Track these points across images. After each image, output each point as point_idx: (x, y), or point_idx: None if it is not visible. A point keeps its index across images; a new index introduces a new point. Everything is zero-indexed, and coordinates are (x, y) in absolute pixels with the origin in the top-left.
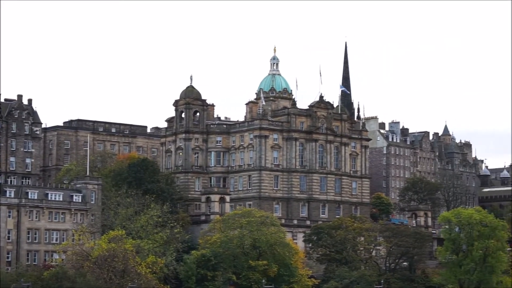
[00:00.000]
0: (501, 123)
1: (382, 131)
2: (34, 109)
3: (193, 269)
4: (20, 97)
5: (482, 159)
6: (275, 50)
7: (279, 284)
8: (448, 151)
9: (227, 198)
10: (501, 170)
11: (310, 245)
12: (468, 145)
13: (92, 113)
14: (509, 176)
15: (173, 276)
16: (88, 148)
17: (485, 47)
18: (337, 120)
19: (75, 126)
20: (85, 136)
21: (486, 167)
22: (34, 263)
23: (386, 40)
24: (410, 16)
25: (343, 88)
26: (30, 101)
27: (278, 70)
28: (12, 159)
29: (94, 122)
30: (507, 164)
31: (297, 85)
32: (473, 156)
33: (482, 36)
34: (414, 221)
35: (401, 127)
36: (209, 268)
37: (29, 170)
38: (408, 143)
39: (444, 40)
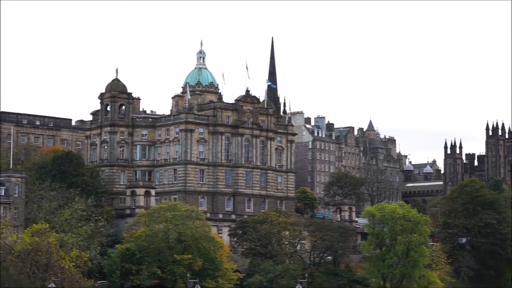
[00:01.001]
0: (424, 119)
1: (307, 126)
2: None
3: (117, 263)
4: None
5: (405, 154)
6: (201, 44)
7: (204, 278)
8: (373, 146)
9: (153, 191)
10: (424, 165)
11: (235, 239)
12: (392, 141)
13: (16, 105)
14: (432, 172)
15: (97, 270)
16: (11, 141)
17: (409, 45)
18: (263, 114)
19: None
20: (8, 129)
21: (410, 162)
22: None
23: (312, 35)
24: (334, 12)
25: (269, 83)
26: None
27: (204, 64)
28: None
29: (17, 114)
30: (430, 160)
31: (223, 79)
32: (397, 151)
33: (405, 31)
34: (338, 215)
35: (326, 122)
36: (133, 262)
37: None
38: (333, 138)
39: (368, 36)
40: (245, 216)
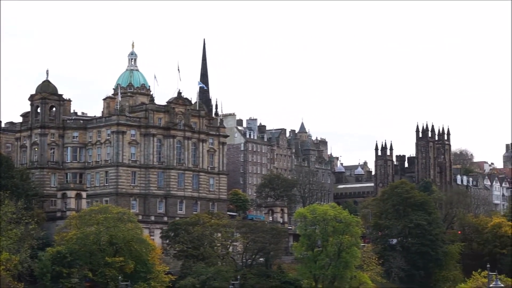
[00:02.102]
0: (356, 121)
1: (239, 128)
2: None
3: (48, 266)
4: None
5: (337, 156)
6: (133, 46)
7: (136, 281)
8: (304, 148)
9: (84, 194)
10: (355, 167)
11: (167, 241)
12: (323, 143)
13: None
14: (363, 173)
15: (27, 274)
16: None
17: (339, 47)
18: (195, 116)
19: None
20: None
21: (341, 164)
22: None
23: (244, 37)
24: (265, 14)
25: (201, 85)
26: None
27: (136, 66)
28: None
29: None
30: (361, 162)
31: (155, 81)
32: (329, 153)
33: (333, 32)
34: (270, 217)
35: (258, 124)
36: (64, 265)
37: None
38: (265, 140)
39: (299, 38)
40: (177, 218)
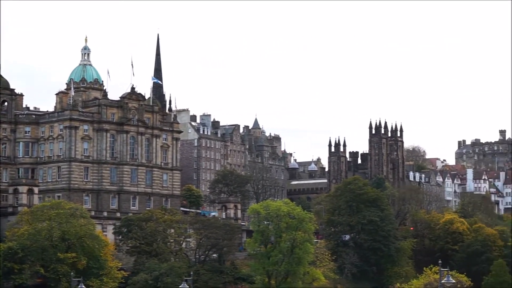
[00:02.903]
0: (309, 117)
1: (193, 123)
2: None
3: None
4: None
5: (291, 152)
6: (86, 40)
7: (88, 277)
8: (258, 144)
9: (36, 189)
10: (309, 163)
11: (120, 237)
12: (277, 139)
13: None
14: (316, 169)
15: None
16: None
17: (292, 42)
18: (149, 112)
19: None
20: None
21: (295, 160)
22: None
23: (198, 33)
24: (218, 9)
25: (155, 80)
26: None
27: (89, 61)
28: None
29: None
30: (315, 158)
31: (109, 76)
32: (282, 149)
33: (285, 28)
34: (224, 213)
35: (212, 120)
36: (16, 261)
37: None
38: (219, 136)
39: (252, 34)
40: (130, 214)
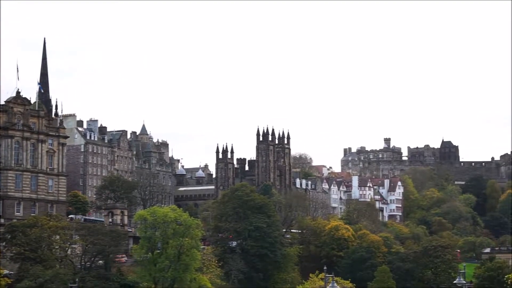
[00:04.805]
0: (197, 123)
1: (80, 129)
2: None
3: None
4: None
5: (178, 158)
6: None
7: None
8: (146, 150)
9: None
10: (196, 169)
11: (4, 243)
12: (165, 145)
13: None
14: (204, 176)
15: None
16: None
17: (186, 50)
18: (34, 116)
19: None
20: None
21: (182, 166)
22: None
23: (84, 38)
24: (106, 13)
25: (39, 85)
26: None
27: None
28: None
29: None
30: (202, 164)
31: None
32: (170, 155)
33: (176, 34)
34: (110, 219)
35: (99, 125)
36: None
37: None
38: (106, 141)
39: (141, 40)
40: (15, 220)
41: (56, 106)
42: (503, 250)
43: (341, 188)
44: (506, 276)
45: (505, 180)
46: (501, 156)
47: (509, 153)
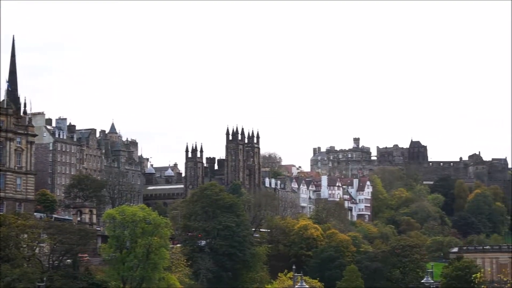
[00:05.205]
0: (166, 122)
1: (48, 127)
2: None
3: None
4: None
5: (147, 157)
6: None
7: None
8: (115, 149)
9: None
10: (165, 168)
11: None
12: (134, 144)
13: None
14: (173, 175)
15: None
16: None
17: (152, 51)
18: (3, 115)
19: None
20: None
21: (151, 165)
22: None
23: (53, 35)
24: (71, 11)
25: (8, 83)
26: None
27: None
28: None
29: None
30: (172, 163)
31: None
32: (139, 154)
33: (136, 27)
34: (79, 218)
35: (68, 123)
36: None
37: None
38: (75, 140)
39: (107, 38)
40: None
41: (25, 104)
42: (471, 250)
43: (310, 188)
44: (473, 276)
45: (473, 180)
46: (469, 156)
47: (477, 153)
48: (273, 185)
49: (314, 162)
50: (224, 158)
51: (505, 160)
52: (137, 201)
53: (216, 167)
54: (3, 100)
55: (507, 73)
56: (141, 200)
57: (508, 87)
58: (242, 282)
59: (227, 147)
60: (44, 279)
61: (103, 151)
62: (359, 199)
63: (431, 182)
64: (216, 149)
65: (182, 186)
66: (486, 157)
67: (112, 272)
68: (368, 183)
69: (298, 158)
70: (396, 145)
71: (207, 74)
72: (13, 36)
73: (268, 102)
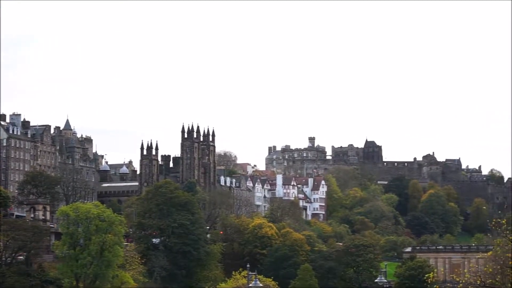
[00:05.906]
0: (121, 119)
1: (2, 123)
2: None
3: None
4: None
5: (102, 154)
6: None
7: None
8: (69, 145)
9: None
10: (120, 165)
11: None
12: (89, 140)
13: None
14: (128, 172)
15: None
16: None
17: (110, 45)
18: None
19: None
20: None
21: (106, 162)
22: None
23: (9, 33)
24: (41, 8)
25: None
26: None
27: None
28: None
29: None
30: (127, 160)
31: None
32: (94, 151)
33: (103, 27)
34: (32, 215)
35: (22, 119)
36: None
37: None
38: (29, 136)
39: (64, 34)
40: None
41: None
42: (424, 250)
43: (265, 186)
44: (426, 275)
45: (426, 180)
46: (424, 157)
47: (431, 154)
48: (228, 184)
49: (269, 161)
50: (179, 156)
51: (458, 160)
52: (91, 198)
53: (171, 164)
54: None
55: (462, 74)
56: (96, 197)
57: (462, 88)
58: (196, 281)
59: (183, 145)
60: None
61: (58, 147)
62: (314, 198)
63: (386, 182)
64: (171, 147)
65: (137, 183)
66: (440, 157)
67: (65, 269)
68: (323, 182)
69: (253, 157)
70: (351, 145)
71: (163, 71)
72: None
73: (224, 100)
